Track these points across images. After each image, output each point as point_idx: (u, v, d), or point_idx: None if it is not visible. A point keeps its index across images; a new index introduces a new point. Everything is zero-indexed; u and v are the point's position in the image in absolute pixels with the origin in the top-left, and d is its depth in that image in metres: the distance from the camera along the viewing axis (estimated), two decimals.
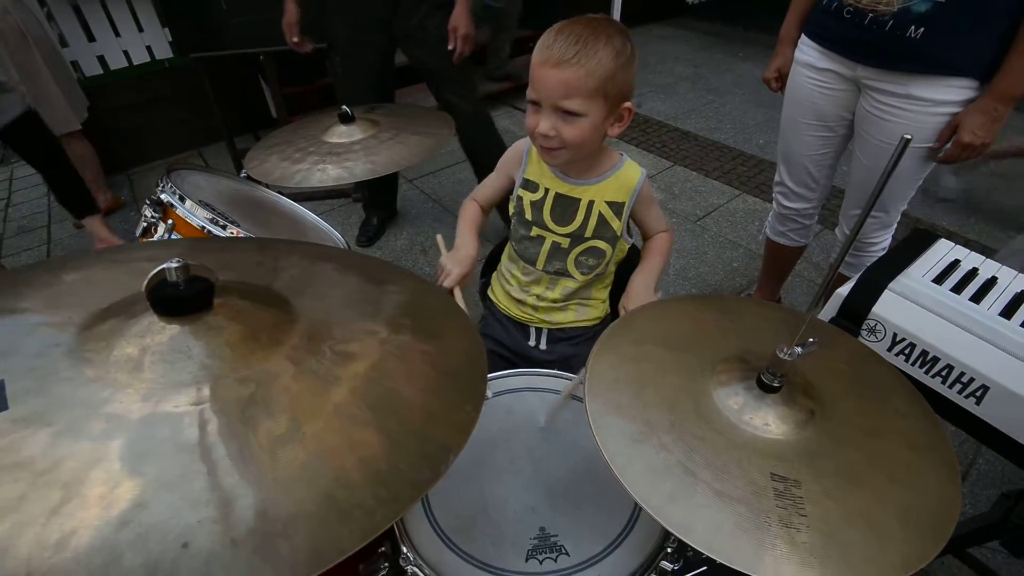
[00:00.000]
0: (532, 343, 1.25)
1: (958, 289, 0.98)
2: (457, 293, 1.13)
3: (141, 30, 3.25)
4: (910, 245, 1.08)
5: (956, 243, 1.10)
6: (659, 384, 0.67)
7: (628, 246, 1.19)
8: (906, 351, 0.92)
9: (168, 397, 0.40)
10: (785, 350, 0.60)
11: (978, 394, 0.86)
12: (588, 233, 1.12)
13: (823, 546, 0.51)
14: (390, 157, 1.35)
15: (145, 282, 0.42)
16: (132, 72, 3.31)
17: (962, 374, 0.87)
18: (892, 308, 0.94)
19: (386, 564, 0.81)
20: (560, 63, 0.91)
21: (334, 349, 0.45)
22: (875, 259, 1.48)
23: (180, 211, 0.93)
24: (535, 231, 1.15)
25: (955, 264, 1.04)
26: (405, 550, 0.74)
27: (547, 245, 1.15)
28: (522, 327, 1.27)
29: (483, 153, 2.38)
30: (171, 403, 0.39)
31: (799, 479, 0.56)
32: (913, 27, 1.22)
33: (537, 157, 1.12)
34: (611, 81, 0.92)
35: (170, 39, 3.30)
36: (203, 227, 0.92)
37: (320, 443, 0.38)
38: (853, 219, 1.60)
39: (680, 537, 0.53)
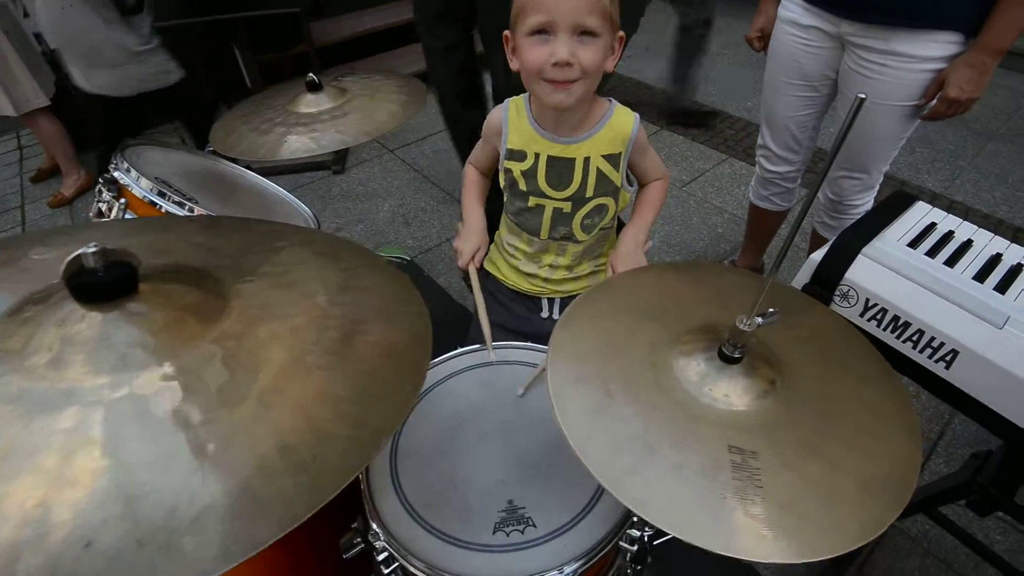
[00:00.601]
0: (545, 314, 1.21)
1: (933, 253, 0.97)
2: (472, 271, 1.11)
3: None
4: (887, 208, 1.06)
5: (940, 204, 1.09)
6: (622, 355, 0.66)
7: (630, 195, 1.13)
8: (878, 316, 0.92)
9: (84, 388, 0.38)
10: (745, 321, 0.59)
11: (947, 358, 0.86)
12: (589, 192, 1.06)
13: (779, 517, 0.51)
14: (359, 126, 1.31)
15: (62, 268, 0.40)
16: None
17: (932, 339, 0.86)
18: (865, 273, 0.93)
19: (359, 540, 0.81)
20: None
21: (267, 332, 0.43)
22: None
23: (134, 189, 0.90)
24: (532, 200, 1.08)
25: (932, 227, 1.03)
26: (374, 526, 0.74)
27: (548, 213, 1.09)
28: (532, 300, 1.23)
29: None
30: (87, 394, 0.38)
31: (757, 450, 0.56)
32: None
33: (519, 121, 1.05)
34: (614, 1, 0.88)
35: None
36: (159, 205, 0.89)
37: (241, 432, 0.36)
38: (836, 181, 1.58)
39: (636, 512, 0.53)
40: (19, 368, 0.38)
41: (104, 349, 0.39)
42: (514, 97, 1.07)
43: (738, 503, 0.52)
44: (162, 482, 0.34)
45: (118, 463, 0.34)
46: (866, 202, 1.60)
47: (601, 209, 1.09)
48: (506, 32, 0.95)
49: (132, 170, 0.91)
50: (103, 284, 0.40)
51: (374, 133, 1.30)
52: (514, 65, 0.96)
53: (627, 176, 1.10)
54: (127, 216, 0.88)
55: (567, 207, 1.08)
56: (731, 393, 0.60)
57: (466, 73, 2.09)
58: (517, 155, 1.06)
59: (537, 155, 1.05)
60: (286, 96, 1.43)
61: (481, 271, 1.16)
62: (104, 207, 0.91)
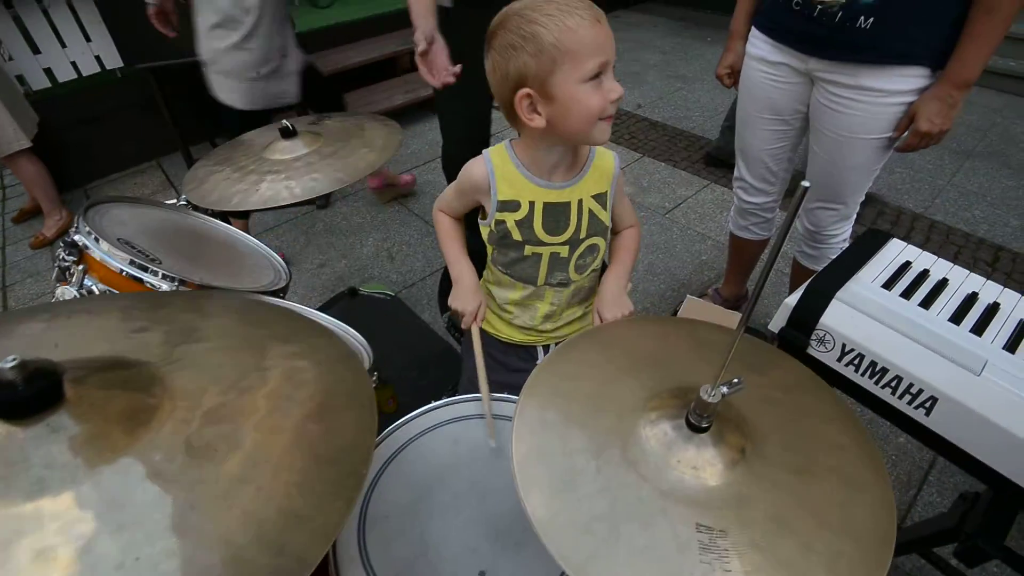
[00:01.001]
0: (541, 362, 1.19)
1: (908, 294, 0.96)
2: (475, 331, 1.07)
3: (89, 40, 3.13)
4: (861, 247, 1.06)
5: (921, 224, 1.09)
6: (588, 425, 0.64)
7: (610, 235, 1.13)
8: (855, 361, 0.90)
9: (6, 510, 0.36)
10: (709, 391, 0.57)
11: (927, 405, 0.84)
12: (583, 234, 1.05)
13: None
14: (333, 174, 1.30)
15: None
16: (82, 84, 3.19)
17: (911, 385, 0.85)
18: (840, 318, 0.92)
19: None
20: (597, 19, 0.84)
21: (196, 442, 0.41)
22: (837, 251, 1.48)
23: (95, 253, 0.88)
24: (528, 249, 1.06)
25: (906, 266, 1.03)
26: None
27: (545, 259, 1.07)
28: (526, 349, 1.21)
29: None
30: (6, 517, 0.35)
31: (725, 528, 0.54)
32: (863, 18, 1.20)
33: (506, 171, 1.02)
34: None
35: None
36: (121, 270, 0.87)
37: (152, 568, 0.34)
38: (812, 212, 1.58)
39: None
40: None
41: (22, 473, 0.36)
42: (491, 148, 1.06)
43: None
44: None
45: None
46: (844, 231, 1.60)
47: (593, 249, 1.09)
48: (524, 90, 0.88)
49: (92, 232, 0.89)
50: (23, 399, 0.38)
51: (348, 180, 1.30)
52: (537, 122, 0.90)
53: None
54: (87, 281, 0.86)
55: (564, 251, 1.07)
56: (699, 465, 0.58)
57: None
58: (510, 206, 1.03)
59: (532, 203, 1.03)
60: (260, 143, 1.43)
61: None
62: (63, 271, 0.89)
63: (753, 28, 1.48)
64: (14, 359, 0.37)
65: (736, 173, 1.74)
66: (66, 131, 3.14)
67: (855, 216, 1.58)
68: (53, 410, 0.39)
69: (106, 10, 2.48)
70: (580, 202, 1.04)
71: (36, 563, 0.35)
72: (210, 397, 0.45)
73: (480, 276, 1.22)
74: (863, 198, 1.52)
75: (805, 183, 0.39)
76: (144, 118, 3.39)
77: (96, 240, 0.88)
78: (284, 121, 1.40)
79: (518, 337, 1.20)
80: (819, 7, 1.24)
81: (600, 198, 1.05)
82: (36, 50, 3.03)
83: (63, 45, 3.09)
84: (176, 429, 0.42)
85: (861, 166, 1.41)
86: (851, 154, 1.38)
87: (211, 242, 1.20)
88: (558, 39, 0.83)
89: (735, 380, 0.57)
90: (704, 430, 0.60)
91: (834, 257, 1.04)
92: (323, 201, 2.92)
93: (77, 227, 0.90)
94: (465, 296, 1.10)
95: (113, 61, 3.22)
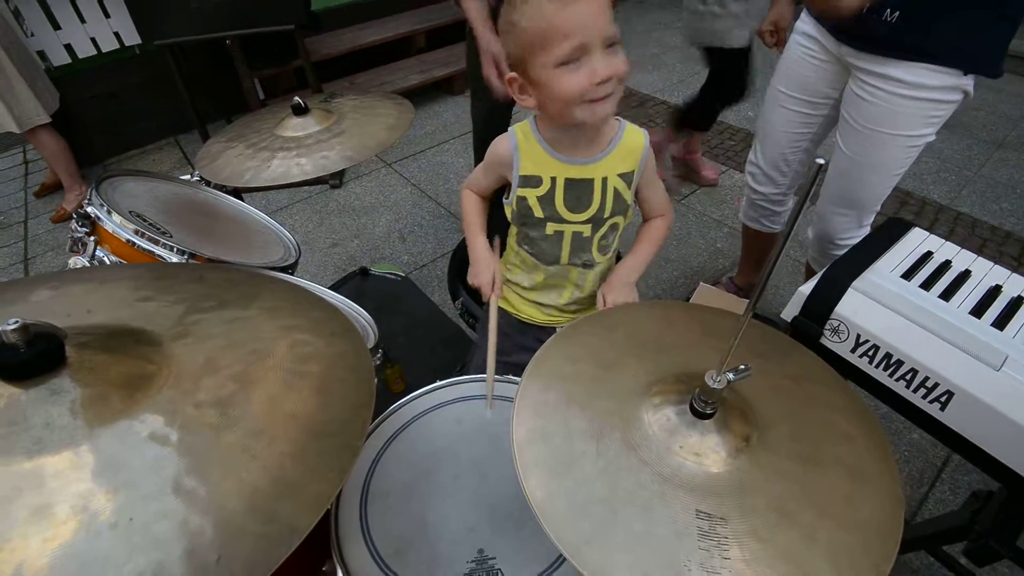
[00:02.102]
0: None
1: (928, 285, 0.93)
2: (493, 303, 1.06)
3: (108, 16, 3.15)
4: (881, 236, 1.03)
5: (946, 216, 1.05)
6: (590, 408, 0.63)
7: (631, 214, 1.10)
8: (869, 353, 0.88)
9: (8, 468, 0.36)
10: (715, 377, 0.56)
11: (943, 399, 0.82)
12: (607, 213, 1.03)
13: None
14: (344, 151, 1.30)
15: None
16: (101, 60, 3.22)
17: (926, 379, 0.83)
18: (855, 308, 0.89)
19: None
20: None
21: (192, 412, 0.41)
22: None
23: (107, 225, 0.88)
24: (551, 227, 1.05)
25: (927, 256, 0.99)
26: (340, 573, 0.72)
27: (567, 238, 1.06)
28: (543, 330, 1.20)
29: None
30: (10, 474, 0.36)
31: (726, 516, 0.53)
32: (888, 10, 1.17)
33: (530, 147, 1.01)
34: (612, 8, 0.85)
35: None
36: (131, 241, 0.87)
37: (147, 532, 0.34)
38: (826, 218, 1.51)
39: None
40: None
41: (21, 432, 0.37)
42: (518, 124, 1.05)
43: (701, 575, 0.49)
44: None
45: (21, 561, 0.32)
46: (859, 237, 1.53)
47: (615, 228, 1.08)
48: (510, 75, 0.90)
49: (105, 205, 0.90)
50: (23, 361, 0.38)
51: (358, 157, 1.29)
52: (528, 103, 0.92)
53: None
54: (99, 252, 0.87)
55: (587, 230, 1.05)
56: (702, 452, 0.57)
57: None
58: (532, 181, 1.02)
59: (553, 179, 1.01)
60: (272, 120, 1.42)
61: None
62: (75, 243, 0.90)
63: (805, 9, 1.43)
64: (16, 322, 0.37)
65: (750, 157, 1.69)
66: (86, 107, 3.17)
67: (869, 228, 1.51)
68: (54, 373, 0.40)
69: None
70: (604, 180, 1.01)
71: (33, 519, 0.35)
72: (211, 366, 0.45)
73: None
74: (879, 208, 1.46)
75: (820, 160, 0.37)
76: (162, 95, 3.41)
77: (108, 212, 0.88)
78: (296, 98, 1.39)
79: (539, 318, 1.19)
80: None
81: (627, 177, 1.02)
82: (56, 26, 3.05)
83: (83, 21, 3.10)
84: (176, 396, 0.42)
85: (884, 166, 1.36)
86: (875, 151, 1.33)
87: (222, 217, 1.21)
88: (529, 25, 0.82)
89: (742, 366, 0.56)
90: (708, 416, 0.59)
91: None
92: (336, 181, 2.92)
93: (90, 199, 0.91)
94: (481, 268, 1.09)
95: (132, 37, 3.23)
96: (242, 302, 0.55)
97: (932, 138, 1.28)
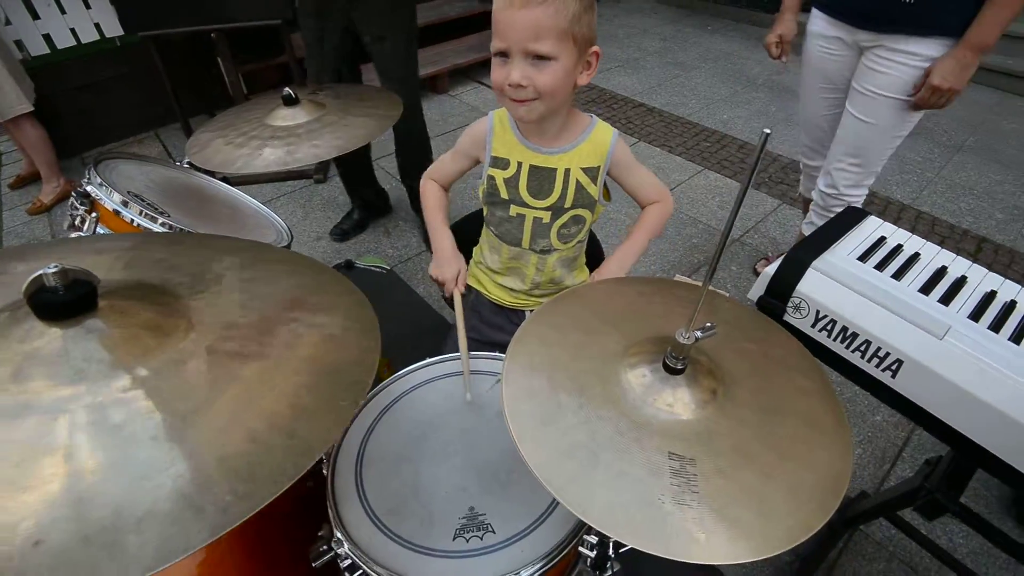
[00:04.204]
0: None
1: (881, 266, 1.01)
2: (457, 296, 1.12)
3: (88, 7, 3.11)
4: (839, 222, 1.11)
5: (908, 215, 1.14)
6: (572, 368, 0.69)
7: (604, 209, 1.16)
8: (828, 327, 0.95)
9: (42, 400, 0.40)
10: (684, 334, 0.62)
11: (893, 368, 0.89)
12: (568, 203, 1.09)
13: (712, 521, 0.54)
14: (334, 141, 1.33)
15: (23, 287, 0.42)
16: (81, 51, 3.18)
17: (878, 349, 0.90)
18: (815, 286, 0.97)
19: (326, 547, 0.83)
20: (527, 3, 0.86)
21: (218, 349, 0.45)
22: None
23: (107, 204, 0.91)
24: (514, 209, 1.11)
25: (881, 241, 1.07)
26: (338, 534, 0.76)
27: (528, 222, 1.12)
28: (515, 312, 1.26)
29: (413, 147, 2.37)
30: (45, 407, 0.40)
31: (695, 457, 0.59)
32: None
33: (503, 131, 1.09)
34: (578, 22, 0.89)
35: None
36: (131, 220, 0.90)
37: (184, 443, 0.38)
38: (833, 172, 1.74)
39: (578, 516, 0.55)
40: None
41: (63, 363, 0.41)
42: (497, 110, 1.10)
43: (675, 507, 0.55)
44: (111, 486, 0.36)
45: (72, 469, 0.36)
46: (858, 198, 1.75)
47: (578, 220, 1.12)
48: None
49: (104, 184, 0.92)
50: (62, 302, 0.42)
51: (349, 147, 1.33)
52: None
53: (605, 190, 1.13)
54: (99, 230, 0.89)
55: (546, 216, 1.10)
56: (674, 403, 0.64)
57: None
58: (501, 163, 1.09)
59: (520, 164, 1.08)
60: (263, 109, 1.45)
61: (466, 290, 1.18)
62: (78, 219, 0.93)
63: (813, 9, 1.68)
64: (56, 266, 0.41)
65: (802, 139, 1.95)
66: (64, 98, 3.13)
67: (869, 185, 1.73)
68: (89, 315, 0.44)
69: None
70: (568, 171, 1.07)
71: (75, 436, 0.39)
72: (229, 317, 0.49)
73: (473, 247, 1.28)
74: (884, 161, 1.66)
75: (766, 130, 0.43)
76: (143, 88, 3.39)
77: (108, 192, 0.91)
78: (287, 89, 1.42)
79: (507, 299, 1.25)
80: None
81: (591, 171, 1.08)
82: (35, 15, 3.01)
83: (63, 11, 3.06)
84: (199, 339, 0.46)
85: (888, 125, 1.56)
86: (881, 112, 1.55)
87: (215, 202, 1.24)
88: (493, 10, 0.91)
89: (708, 324, 0.62)
90: (679, 371, 0.65)
91: None
92: (321, 175, 2.94)
93: (89, 178, 0.93)
94: (444, 262, 1.16)
95: (113, 29, 3.21)
96: (251, 264, 0.59)
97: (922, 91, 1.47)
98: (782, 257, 1.01)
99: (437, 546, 0.75)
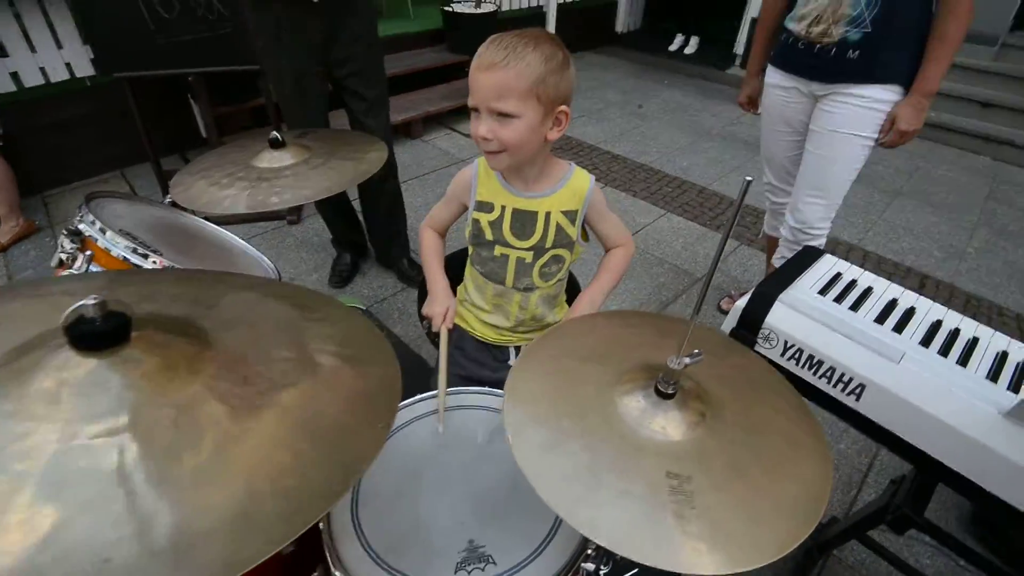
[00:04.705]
0: (512, 362, 1.29)
1: (840, 299, 1.10)
2: (444, 332, 1.17)
3: (60, 47, 3.10)
4: (799, 260, 1.20)
5: (856, 254, 1.25)
6: (572, 395, 0.73)
7: (583, 249, 1.23)
8: (796, 356, 1.03)
9: (85, 428, 0.41)
10: (675, 360, 0.67)
11: (857, 391, 0.97)
12: (548, 243, 1.16)
13: (710, 533, 0.58)
14: (321, 183, 1.36)
15: (62, 318, 0.43)
16: (50, 90, 3.14)
17: (842, 374, 0.98)
18: (782, 318, 1.04)
19: None
20: (491, 67, 0.96)
21: (252, 377, 0.47)
22: (819, 245, 1.79)
23: (100, 242, 0.91)
24: (498, 250, 1.18)
25: (838, 276, 1.17)
26: (337, 573, 0.76)
27: (512, 261, 1.18)
28: (499, 349, 1.30)
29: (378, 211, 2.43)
30: (89, 434, 0.41)
31: (690, 475, 0.63)
32: (851, 51, 1.59)
33: (488, 178, 1.16)
34: (542, 84, 0.97)
35: (91, 57, 3.17)
36: (124, 257, 0.91)
37: (234, 464, 0.40)
38: (800, 209, 1.88)
39: (587, 536, 0.58)
40: (21, 411, 0.41)
41: (102, 392, 0.42)
42: (481, 157, 1.17)
43: (676, 521, 0.58)
44: (168, 506, 0.37)
45: (128, 490, 0.37)
46: (825, 229, 1.89)
47: (559, 259, 1.19)
48: None
49: (97, 222, 0.93)
50: (100, 333, 0.44)
51: (336, 188, 1.36)
52: None
53: (584, 231, 1.21)
54: (92, 268, 0.89)
55: (528, 256, 1.17)
56: (667, 425, 0.68)
57: None
58: (486, 207, 1.16)
59: (503, 207, 1.15)
60: (247, 152, 1.47)
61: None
62: (65, 257, 0.92)
63: (769, 65, 1.89)
64: (95, 297, 0.43)
65: (764, 179, 2.10)
66: (28, 136, 3.06)
67: (833, 215, 1.87)
68: (123, 346, 0.45)
69: (87, 18, 2.48)
70: (548, 214, 1.15)
71: (125, 458, 0.40)
72: (256, 348, 0.51)
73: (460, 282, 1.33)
74: (845, 193, 1.82)
75: (748, 177, 0.50)
76: (110, 127, 3.35)
77: (102, 230, 0.91)
78: (274, 132, 1.46)
79: (491, 336, 1.29)
80: (817, 46, 1.64)
81: (570, 214, 1.16)
82: (4, 53, 2.97)
83: (33, 50, 3.04)
84: (230, 368, 0.48)
85: (845, 159, 1.74)
86: (837, 148, 1.73)
87: (203, 241, 1.24)
88: (471, 65, 1.00)
89: (695, 351, 0.67)
90: (671, 396, 0.69)
91: None
92: (295, 217, 2.95)
93: (81, 216, 0.93)
94: (435, 300, 1.22)
95: (84, 69, 3.19)
96: (264, 299, 0.61)
97: (874, 141, 1.69)
98: (750, 292, 1.09)
99: None
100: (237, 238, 1.32)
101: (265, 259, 1.29)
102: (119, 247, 0.91)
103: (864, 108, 1.64)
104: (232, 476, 0.41)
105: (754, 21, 4.80)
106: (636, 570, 0.87)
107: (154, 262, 0.93)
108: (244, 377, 0.47)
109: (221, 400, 0.44)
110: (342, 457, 0.42)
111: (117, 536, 0.35)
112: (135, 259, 0.92)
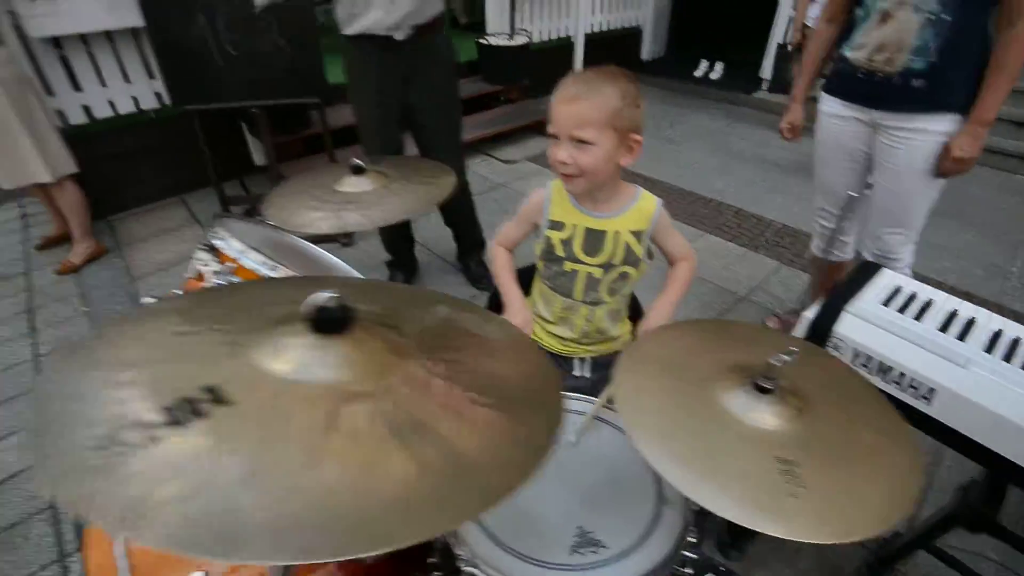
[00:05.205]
0: (577, 373, 1.37)
1: (903, 310, 1.17)
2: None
3: (129, 82, 3.34)
4: (859, 275, 1.27)
5: None
6: (676, 392, 0.81)
7: (647, 267, 1.32)
8: (865, 363, 1.10)
9: (315, 392, 0.52)
10: (778, 357, 0.75)
11: (927, 396, 1.03)
12: (617, 260, 1.26)
13: (822, 509, 0.65)
14: (400, 206, 1.47)
15: (306, 305, 0.55)
16: (117, 122, 3.37)
17: (912, 380, 1.04)
18: (850, 328, 1.12)
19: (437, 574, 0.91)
20: (573, 99, 1.08)
21: (441, 373, 0.57)
22: (904, 267, 1.82)
23: (238, 257, 1.03)
24: (568, 265, 1.28)
25: (898, 290, 1.24)
26: (461, 553, 0.83)
27: (582, 276, 1.28)
28: (564, 359, 1.39)
29: (464, 221, 2.65)
30: (316, 399, 0.52)
31: (796, 460, 0.70)
32: (914, 79, 1.59)
33: (560, 199, 1.27)
34: (618, 115, 1.09)
35: (155, 91, 3.40)
36: (255, 269, 1.02)
37: (429, 436, 0.50)
38: (879, 238, 1.88)
39: (714, 511, 0.65)
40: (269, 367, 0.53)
41: (327, 367, 0.53)
42: (554, 180, 1.28)
43: (790, 500, 0.66)
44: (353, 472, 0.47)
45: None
46: (907, 255, 1.90)
47: (625, 276, 1.28)
48: None
49: (233, 238, 1.05)
50: (336, 319, 0.54)
51: (412, 212, 1.47)
52: None
53: (648, 250, 1.30)
54: (232, 279, 1.01)
55: (598, 272, 1.27)
56: (769, 417, 0.75)
57: None
58: (557, 225, 1.27)
59: (575, 226, 1.26)
60: (329, 177, 1.60)
61: None
62: (204, 268, 1.04)
63: (825, 94, 1.88)
64: (334, 293, 0.54)
65: (817, 204, 2.08)
66: (96, 165, 3.27)
67: (916, 239, 1.89)
68: (350, 332, 0.56)
69: (163, 55, 2.69)
70: (617, 233, 1.25)
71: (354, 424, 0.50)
72: (440, 346, 0.62)
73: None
74: (924, 222, 1.84)
75: (852, 192, 0.58)
76: (172, 156, 3.57)
77: (239, 245, 1.03)
78: (355, 160, 1.58)
79: (557, 346, 1.38)
80: (879, 75, 1.65)
81: (638, 234, 1.26)
82: (78, 88, 3.20)
83: (103, 84, 3.27)
84: (428, 366, 0.58)
85: (921, 195, 1.76)
86: (910, 185, 1.74)
87: (310, 259, 1.36)
88: (552, 97, 1.13)
89: (792, 349, 0.76)
90: (770, 392, 0.77)
91: None
92: (348, 239, 3.09)
93: (215, 232, 1.06)
94: (515, 314, 1.31)
95: (149, 102, 3.43)
96: (429, 303, 0.72)
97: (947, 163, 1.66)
98: (819, 304, 1.17)
99: (556, 559, 0.82)
100: (337, 259, 1.44)
101: (359, 276, 1.40)
102: (252, 260, 1.03)
103: (930, 142, 1.65)
104: (429, 443, 0.50)
105: (780, 47, 4.94)
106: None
107: (282, 272, 1.05)
108: (439, 371, 0.57)
109: (420, 385, 0.54)
110: (524, 441, 0.52)
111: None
112: (264, 270, 1.03)
